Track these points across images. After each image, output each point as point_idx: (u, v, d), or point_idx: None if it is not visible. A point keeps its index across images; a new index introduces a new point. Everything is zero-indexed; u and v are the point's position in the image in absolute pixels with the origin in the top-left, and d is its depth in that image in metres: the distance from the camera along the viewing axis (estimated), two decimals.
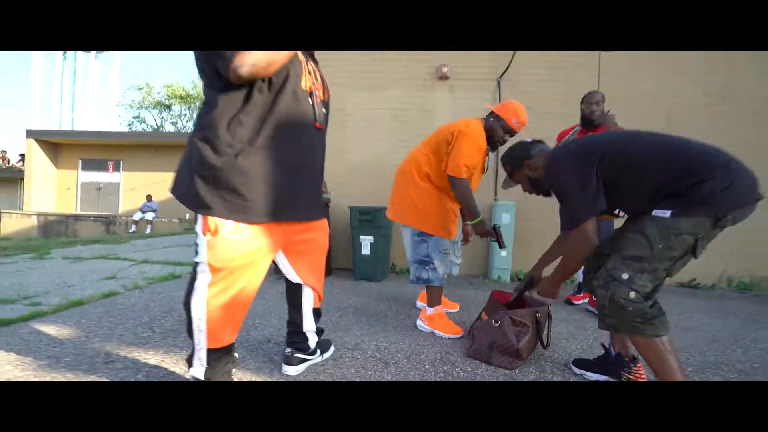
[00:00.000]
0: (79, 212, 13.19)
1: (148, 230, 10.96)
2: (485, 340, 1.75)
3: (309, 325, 1.57)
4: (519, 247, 3.80)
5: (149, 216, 11.34)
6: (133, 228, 11.16)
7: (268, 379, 1.53)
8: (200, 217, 1.19)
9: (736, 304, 3.12)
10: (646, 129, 1.50)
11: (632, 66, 3.86)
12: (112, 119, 27.19)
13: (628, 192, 1.35)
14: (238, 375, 1.53)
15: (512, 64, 3.92)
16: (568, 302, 2.91)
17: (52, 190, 13.65)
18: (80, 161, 13.80)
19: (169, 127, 29.43)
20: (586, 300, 2.83)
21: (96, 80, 26.56)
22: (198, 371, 1.28)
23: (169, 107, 29.03)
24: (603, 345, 1.66)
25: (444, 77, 3.92)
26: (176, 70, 64.99)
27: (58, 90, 25.36)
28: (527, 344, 1.70)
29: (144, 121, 29.32)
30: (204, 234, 1.18)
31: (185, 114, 29.48)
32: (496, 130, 2.15)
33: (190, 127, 29.40)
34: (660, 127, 3.62)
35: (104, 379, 1.46)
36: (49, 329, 2.00)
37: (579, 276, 2.84)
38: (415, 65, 4.03)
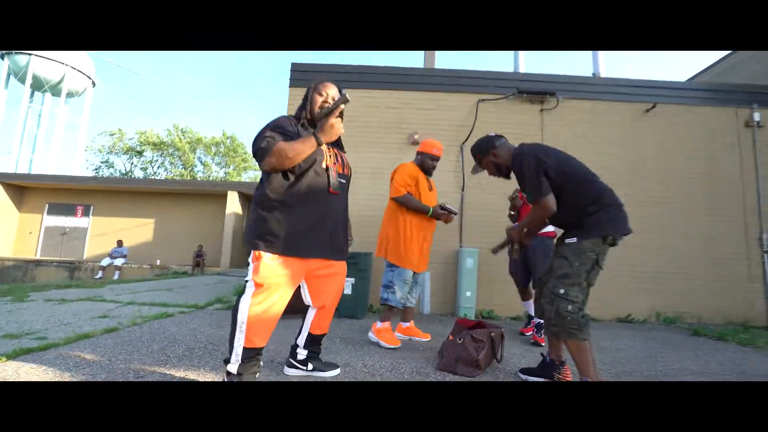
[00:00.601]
0: (40, 257, 12.67)
1: (116, 276, 10.72)
2: (452, 354, 2.20)
3: (300, 340, 2.05)
4: (482, 288, 4.33)
5: (119, 262, 11.13)
6: (100, 274, 10.87)
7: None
8: (252, 251, 1.72)
9: (661, 334, 3.72)
10: None
11: (570, 140, 4.74)
12: (77, 163, 26.74)
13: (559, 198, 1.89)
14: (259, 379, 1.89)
15: (472, 134, 4.70)
16: (521, 334, 3.41)
17: (11, 234, 13.13)
18: (47, 205, 13.49)
19: (138, 173, 29.22)
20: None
21: (63, 124, 26.41)
22: (233, 366, 1.68)
23: (140, 153, 29.02)
24: (542, 354, 2.16)
25: (415, 142, 4.63)
26: (146, 119, 65.04)
27: (19, 132, 24.93)
28: (485, 357, 2.16)
29: (112, 166, 29.00)
30: (252, 261, 1.71)
31: (157, 160, 29.49)
32: (424, 161, 2.98)
33: (161, 173, 29.34)
34: None
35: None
36: (71, 355, 2.25)
37: (530, 310, 3.35)
38: (391, 132, 4.74)
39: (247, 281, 1.73)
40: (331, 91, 1.94)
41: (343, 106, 1.70)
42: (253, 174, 30.59)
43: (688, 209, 4.67)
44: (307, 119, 1.91)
